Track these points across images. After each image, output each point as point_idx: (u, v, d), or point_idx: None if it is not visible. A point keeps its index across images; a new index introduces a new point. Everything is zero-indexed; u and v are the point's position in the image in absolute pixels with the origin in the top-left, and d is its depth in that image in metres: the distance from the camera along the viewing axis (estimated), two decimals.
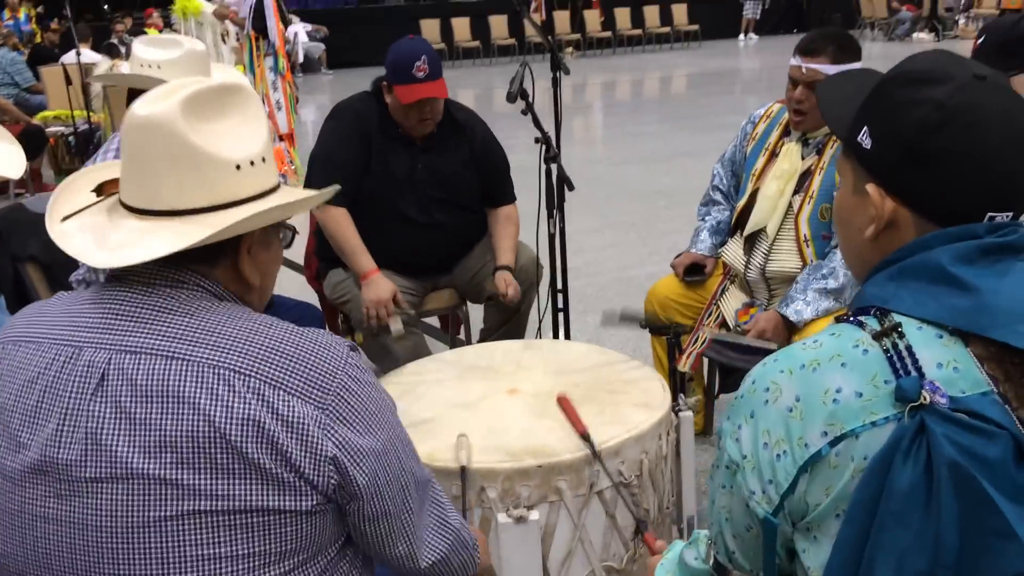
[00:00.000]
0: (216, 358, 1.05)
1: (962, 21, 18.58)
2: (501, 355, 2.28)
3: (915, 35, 18.34)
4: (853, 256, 1.10)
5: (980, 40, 1.87)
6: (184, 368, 1.04)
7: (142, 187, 1.10)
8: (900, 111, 0.97)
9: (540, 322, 3.01)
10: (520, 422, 1.91)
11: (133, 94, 2.38)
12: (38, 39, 12.11)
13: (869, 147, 1.00)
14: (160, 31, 9.42)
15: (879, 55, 15.91)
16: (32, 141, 6.62)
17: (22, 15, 13.00)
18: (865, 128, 1.01)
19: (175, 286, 1.11)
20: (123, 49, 8.63)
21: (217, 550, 1.04)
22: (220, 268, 1.14)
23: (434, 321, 3.59)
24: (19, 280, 2.59)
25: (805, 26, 19.66)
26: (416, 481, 1.19)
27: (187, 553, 1.04)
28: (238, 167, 1.11)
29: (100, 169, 1.23)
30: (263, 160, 1.14)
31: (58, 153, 7.59)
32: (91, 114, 7.26)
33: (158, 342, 1.06)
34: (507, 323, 3.00)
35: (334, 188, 1.28)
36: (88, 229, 1.13)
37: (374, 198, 2.81)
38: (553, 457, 1.76)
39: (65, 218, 1.15)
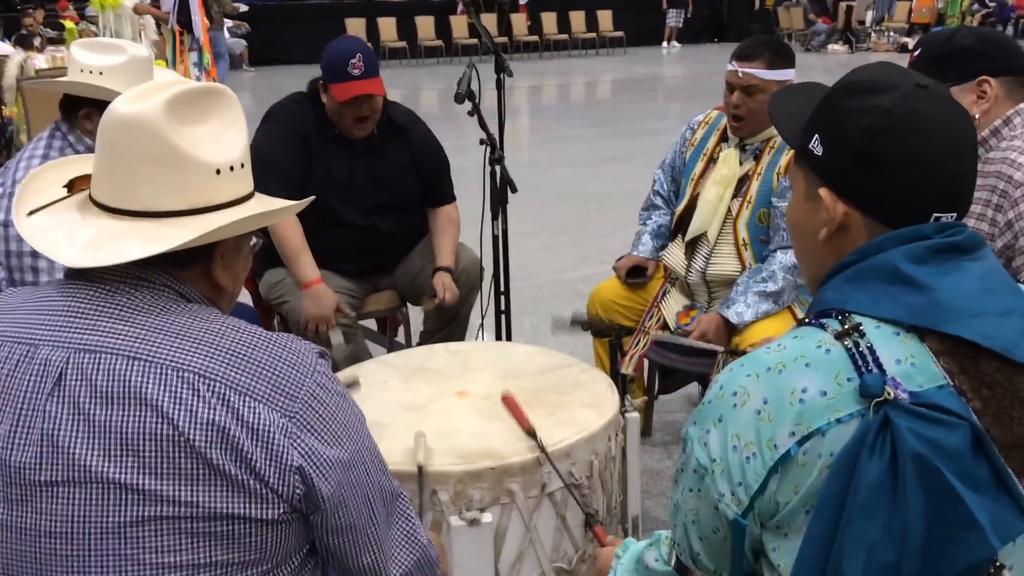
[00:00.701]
0: (180, 360, 1.01)
1: (874, 36, 19.30)
2: (447, 357, 2.27)
3: (830, 46, 18.98)
4: (808, 260, 1.14)
5: (916, 53, 1.93)
6: (146, 369, 1.00)
7: (117, 186, 1.07)
8: (849, 118, 1.02)
9: (482, 323, 3.00)
10: (470, 424, 1.90)
11: (69, 100, 2.26)
12: None
13: (821, 154, 1.05)
14: (76, 24, 9.07)
15: (797, 65, 16.41)
16: None
17: None
18: (816, 136, 1.05)
19: (140, 285, 1.07)
20: (36, 41, 8.31)
21: (178, 558, 1.00)
22: (192, 272, 1.11)
23: (371, 323, 3.54)
24: None
25: (725, 36, 20.19)
26: (384, 494, 1.17)
27: (147, 560, 0.99)
28: (218, 171, 1.09)
29: (67, 163, 1.19)
30: (241, 166, 1.13)
31: None
32: (3, 108, 6.95)
33: (120, 342, 1.02)
34: (448, 325, 2.99)
35: (310, 199, 1.27)
36: (58, 225, 1.09)
37: (313, 201, 2.74)
38: (505, 459, 1.75)
39: (32, 212, 1.11)
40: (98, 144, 1.09)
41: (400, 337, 3.31)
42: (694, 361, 2.58)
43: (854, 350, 0.96)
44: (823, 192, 1.04)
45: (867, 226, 1.03)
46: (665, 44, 20.23)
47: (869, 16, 19.93)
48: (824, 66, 16.09)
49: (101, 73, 2.18)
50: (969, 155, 1.02)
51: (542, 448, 1.76)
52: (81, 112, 2.24)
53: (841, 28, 19.53)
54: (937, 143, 0.99)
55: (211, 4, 12.28)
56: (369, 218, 2.84)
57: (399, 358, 2.32)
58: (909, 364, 0.95)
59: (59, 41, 7.64)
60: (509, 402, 1.91)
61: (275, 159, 2.70)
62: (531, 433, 1.79)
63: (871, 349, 0.96)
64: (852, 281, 1.02)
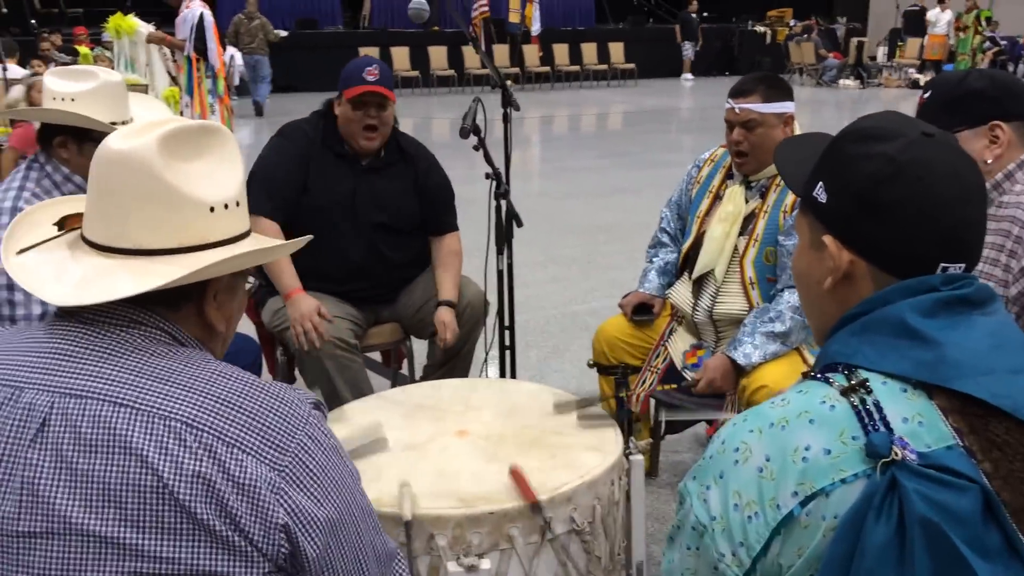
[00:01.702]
0: (168, 408, 0.98)
1: (885, 71, 19.35)
2: (449, 394, 2.23)
3: (841, 81, 19.02)
4: (813, 311, 1.12)
5: (926, 95, 1.89)
6: (132, 417, 0.97)
7: (108, 223, 1.04)
8: (853, 165, 1.00)
9: (486, 358, 2.97)
10: (470, 465, 1.86)
11: (45, 129, 2.25)
12: None
13: (825, 201, 1.03)
14: (91, 49, 9.15)
15: (808, 99, 16.43)
16: None
17: None
18: (821, 183, 1.04)
19: (131, 327, 1.04)
20: (52, 65, 8.38)
21: None
22: (183, 312, 1.08)
23: (375, 355, 3.51)
24: None
25: (736, 69, 20.27)
26: (377, 556, 1.11)
27: None
28: (212, 209, 1.06)
29: (61, 202, 1.18)
30: (236, 204, 1.10)
31: None
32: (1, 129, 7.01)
33: (106, 386, 0.98)
34: (452, 359, 2.95)
35: (307, 238, 1.23)
36: (47, 263, 1.06)
37: (313, 216, 2.78)
38: (505, 504, 1.71)
39: (22, 250, 1.09)
40: (90, 181, 1.07)
41: (404, 369, 3.28)
42: (701, 401, 2.54)
43: (860, 407, 0.93)
44: (827, 240, 1.03)
45: (873, 276, 1.01)
46: (686, 75, 20.29)
47: (880, 52, 19.99)
48: (835, 101, 16.13)
49: (73, 100, 2.17)
50: (976, 204, 1.00)
51: (546, 521, 1.71)
52: (56, 140, 2.23)
53: (852, 64, 19.59)
54: (942, 191, 0.97)
55: (257, 32, 13.57)
56: (368, 237, 2.85)
57: (401, 394, 2.29)
58: (916, 423, 0.92)
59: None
60: (516, 476, 1.80)
61: (272, 173, 2.78)
62: (536, 507, 1.72)
63: (878, 406, 0.93)
64: (859, 334, 0.99)
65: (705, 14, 20.56)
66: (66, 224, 1.10)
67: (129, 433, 0.96)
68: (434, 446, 1.95)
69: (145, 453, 0.95)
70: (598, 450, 1.91)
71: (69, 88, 2.18)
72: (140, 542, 0.94)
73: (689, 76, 20.17)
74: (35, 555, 0.95)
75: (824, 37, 20.25)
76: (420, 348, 3.14)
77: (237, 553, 0.97)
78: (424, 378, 3.02)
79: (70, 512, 0.95)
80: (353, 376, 2.72)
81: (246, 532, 0.96)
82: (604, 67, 19.33)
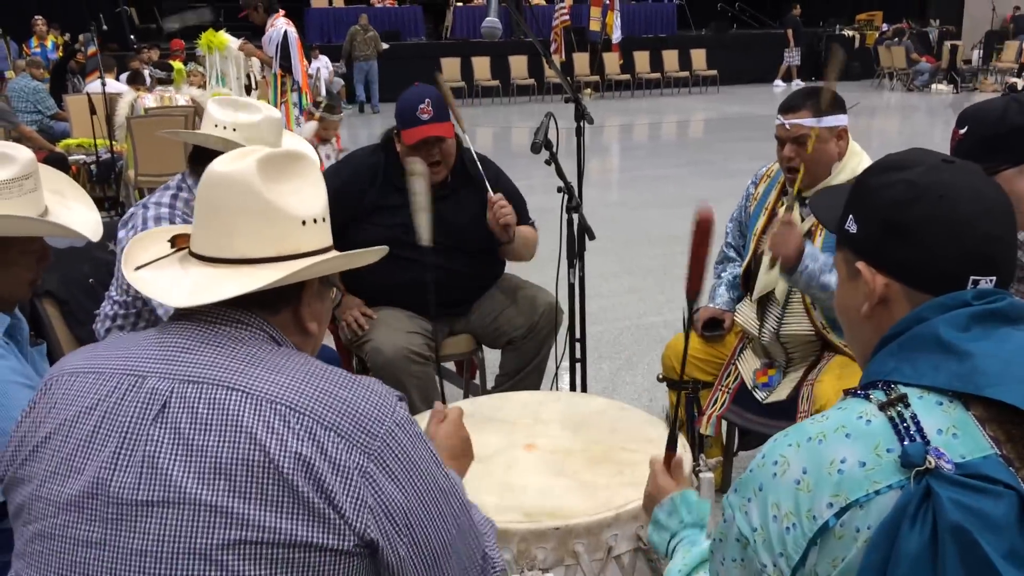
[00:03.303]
0: (275, 394, 1.09)
1: (980, 76, 18.60)
2: (518, 407, 2.25)
3: (934, 86, 18.38)
4: (856, 340, 1.17)
5: (962, 131, 1.76)
6: (244, 400, 1.08)
7: (216, 238, 1.19)
8: (877, 193, 1.07)
9: (556, 370, 2.98)
10: (537, 480, 1.87)
11: (199, 153, 2.36)
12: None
13: (855, 231, 1.10)
14: (184, 64, 9.51)
15: (897, 105, 15.96)
16: (55, 168, 6.66)
17: (49, 43, 13.21)
18: (851, 216, 1.11)
19: (239, 326, 1.17)
20: (147, 78, 8.74)
21: None
22: (281, 315, 1.21)
23: (448, 364, 3.56)
24: (35, 314, 2.57)
25: (822, 74, 19.75)
26: (461, 530, 1.19)
27: None
28: (303, 223, 1.21)
29: (169, 230, 1.32)
30: (323, 220, 1.25)
31: (79, 181, 7.64)
32: (114, 143, 7.33)
33: (221, 373, 1.10)
34: (525, 369, 2.97)
35: (385, 248, 1.37)
36: (162, 277, 1.22)
37: (380, 244, 2.77)
38: (571, 519, 1.72)
39: (139, 267, 1.24)
40: (197, 201, 1.22)
41: (477, 379, 3.31)
42: (775, 423, 2.49)
43: (897, 420, 0.97)
44: (860, 265, 1.08)
45: (908, 297, 1.05)
46: (779, 82, 19.81)
47: (975, 56, 19.20)
48: (927, 106, 15.60)
49: (235, 129, 2.27)
50: (1000, 219, 1.03)
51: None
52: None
53: (946, 68, 18.91)
54: (964, 207, 1.01)
55: (370, 42, 15.83)
56: (435, 260, 2.83)
57: (470, 405, 2.31)
58: (951, 434, 0.95)
59: (167, 81, 8.01)
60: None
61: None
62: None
63: (915, 419, 0.96)
64: (896, 353, 1.04)
65: None
66: (176, 243, 1.25)
67: (241, 414, 1.07)
68: (501, 459, 1.97)
69: (255, 432, 1.06)
70: None
71: (232, 118, 2.30)
72: (245, 511, 1.04)
73: (797, 81, 19.57)
74: (151, 521, 1.05)
75: (916, 41, 19.60)
76: (492, 359, 3.17)
77: (329, 526, 1.05)
78: (496, 388, 3.05)
79: (184, 483, 1.05)
80: (424, 385, 2.76)
81: (338, 507, 1.06)
82: (685, 74, 19.14)
